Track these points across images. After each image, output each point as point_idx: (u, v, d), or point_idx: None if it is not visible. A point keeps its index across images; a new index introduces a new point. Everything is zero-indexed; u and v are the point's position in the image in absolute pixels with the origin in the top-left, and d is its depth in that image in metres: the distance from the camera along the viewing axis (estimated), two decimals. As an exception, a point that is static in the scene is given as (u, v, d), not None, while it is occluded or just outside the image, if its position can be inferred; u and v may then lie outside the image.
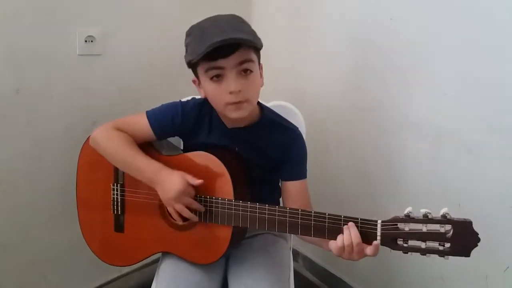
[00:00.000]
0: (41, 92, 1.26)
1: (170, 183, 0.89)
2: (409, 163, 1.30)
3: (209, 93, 0.93)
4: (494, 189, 1.10)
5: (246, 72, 0.90)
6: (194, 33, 0.91)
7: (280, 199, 1.08)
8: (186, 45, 0.93)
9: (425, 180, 1.26)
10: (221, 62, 0.87)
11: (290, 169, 1.02)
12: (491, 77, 1.06)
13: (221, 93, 0.89)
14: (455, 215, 0.75)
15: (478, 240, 0.72)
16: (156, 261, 1.08)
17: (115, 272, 1.55)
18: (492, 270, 1.13)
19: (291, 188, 1.02)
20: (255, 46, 0.90)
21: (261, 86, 0.97)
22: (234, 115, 0.90)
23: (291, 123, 1.05)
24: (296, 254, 1.76)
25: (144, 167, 0.93)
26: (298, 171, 1.03)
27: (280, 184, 1.06)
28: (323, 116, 1.53)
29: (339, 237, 0.80)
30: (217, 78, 0.89)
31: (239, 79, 0.88)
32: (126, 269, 1.55)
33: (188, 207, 0.91)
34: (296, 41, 1.55)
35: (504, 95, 1.04)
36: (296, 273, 1.26)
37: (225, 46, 0.83)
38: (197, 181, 0.90)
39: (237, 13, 0.95)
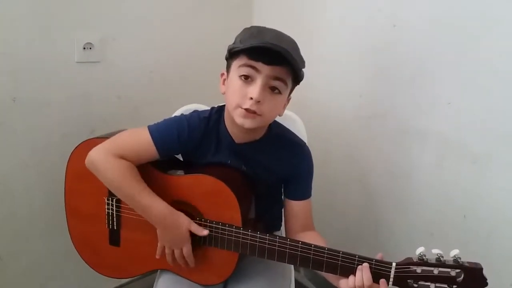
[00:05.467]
0: (38, 99, 1.25)
1: (176, 234, 0.88)
2: (413, 173, 1.27)
3: (230, 88, 0.89)
4: (500, 200, 1.08)
5: (274, 90, 0.87)
6: (253, 30, 0.88)
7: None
8: (237, 37, 0.90)
9: (429, 190, 1.23)
10: (259, 65, 0.84)
11: (295, 188, 1.01)
12: (496, 86, 1.05)
13: (242, 94, 0.85)
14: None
15: (486, 284, 0.74)
16: (156, 270, 1.05)
17: (114, 281, 1.52)
18: (498, 283, 1.10)
19: (295, 208, 1.01)
20: (297, 75, 0.88)
21: (280, 116, 0.95)
22: (240, 121, 0.86)
23: (298, 138, 1.03)
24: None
25: (150, 207, 0.88)
26: (303, 190, 1.01)
27: (283, 198, 1.05)
28: (324, 123, 1.51)
29: (351, 277, 0.80)
30: (245, 78, 0.85)
31: (265, 92, 0.85)
32: (125, 279, 1.53)
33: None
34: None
35: (510, 104, 1.02)
36: (297, 283, 1.25)
37: (273, 53, 0.81)
38: (203, 232, 0.88)
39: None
